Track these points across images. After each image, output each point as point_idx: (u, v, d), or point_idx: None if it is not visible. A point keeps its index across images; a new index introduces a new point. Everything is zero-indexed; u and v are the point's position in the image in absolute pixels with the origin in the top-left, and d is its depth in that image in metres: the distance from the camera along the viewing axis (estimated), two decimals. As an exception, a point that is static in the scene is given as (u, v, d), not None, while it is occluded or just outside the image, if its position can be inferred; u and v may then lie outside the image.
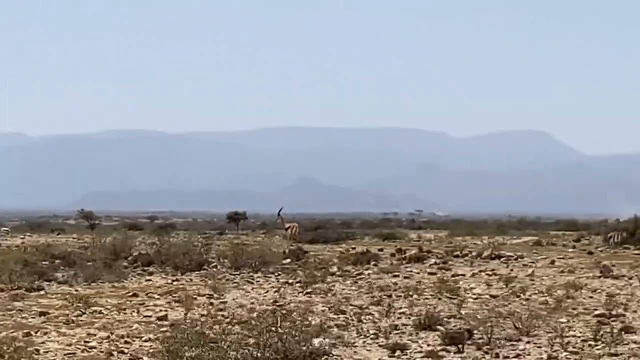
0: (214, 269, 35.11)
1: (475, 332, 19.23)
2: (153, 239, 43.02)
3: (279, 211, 52.45)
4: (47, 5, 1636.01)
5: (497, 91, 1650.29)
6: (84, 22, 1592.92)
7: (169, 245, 37.18)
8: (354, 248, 47.68)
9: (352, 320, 21.99)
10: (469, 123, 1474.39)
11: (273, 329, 15.55)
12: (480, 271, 34.71)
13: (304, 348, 15.68)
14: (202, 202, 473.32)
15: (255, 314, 18.76)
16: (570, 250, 47.13)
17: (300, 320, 16.55)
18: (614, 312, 22.60)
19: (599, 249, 46.99)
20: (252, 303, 24.83)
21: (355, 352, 18.33)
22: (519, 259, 40.25)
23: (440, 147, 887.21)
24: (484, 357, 17.92)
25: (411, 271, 35.15)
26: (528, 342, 19.05)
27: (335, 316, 22.56)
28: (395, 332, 20.35)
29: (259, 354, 15.34)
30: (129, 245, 40.43)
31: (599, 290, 27.84)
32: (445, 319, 21.45)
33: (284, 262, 37.46)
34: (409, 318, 21.92)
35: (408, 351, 18.26)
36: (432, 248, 46.38)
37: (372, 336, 19.87)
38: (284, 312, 16.53)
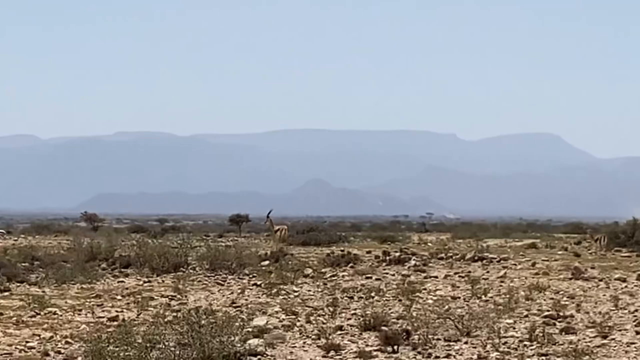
0: (191, 271, 35.17)
1: (416, 332, 19.33)
2: (136, 240, 42.95)
3: (268, 213, 52.33)
4: (56, 8, 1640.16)
5: (508, 94, 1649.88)
6: (93, 25, 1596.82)
7: (146, 247, 37.27)
8: (342, 250, 47.59)
9: (300, 320, 22.12)
10: (480, 126, 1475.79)
11: (196, 327, 15.73)
12: (455, 273, 34.70)
13: (227, 347, 15.84)
14: (212, 204, 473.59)
15: (179, 314, 18.91)
16: (560, 252, 47.03)
17: (224, 320, 16.70)
18: (562, 314, 22.71)
19: (590, 251, 46.94)
20: (211, 304, 24.95)
21: (291, 352, 18.44)
22: (502, 261, 40.22)
23: (451, 149, 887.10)
24: (415, 357, 18.07)
25: (387, 273, 35.18)
26: (465, 343, 19.15)
27: (285, 316, 22.69)
28: (340, 332, 20.45)
29: (181, 353, 15.56)
30: (112, 247, 40.52)
31: (562, 292, 27.94)
32: (393, 320, 21.56)
33: (262, 263, 37.52)
34: (359, 319, 22.00)
35: (342, 351, 18.40)
36: (421, 250, 46.25)
37: (313, 337, 19.98)
38: (207, 312, 16.65)
